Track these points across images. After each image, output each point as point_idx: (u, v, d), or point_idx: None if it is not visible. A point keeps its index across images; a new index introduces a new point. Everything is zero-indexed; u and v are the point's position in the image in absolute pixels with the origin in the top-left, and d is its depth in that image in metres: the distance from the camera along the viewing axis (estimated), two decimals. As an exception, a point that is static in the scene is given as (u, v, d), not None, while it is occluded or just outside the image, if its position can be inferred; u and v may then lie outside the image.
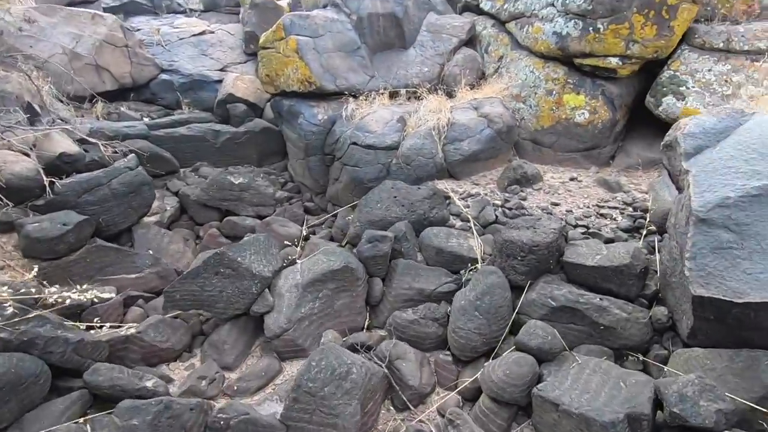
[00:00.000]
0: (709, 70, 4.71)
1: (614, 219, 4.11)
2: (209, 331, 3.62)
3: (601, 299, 3.07)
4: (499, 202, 4.56)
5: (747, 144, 2.44)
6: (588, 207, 4.36)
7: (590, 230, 3.89)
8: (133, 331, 3.22)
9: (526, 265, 3.32)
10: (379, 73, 6.10)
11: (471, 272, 3.80)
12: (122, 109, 6.81)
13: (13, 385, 2.36)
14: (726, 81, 4.59)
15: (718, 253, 2.35)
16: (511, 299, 3.26)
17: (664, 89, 4.83)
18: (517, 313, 3.24)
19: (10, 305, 2.60)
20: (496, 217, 4.30)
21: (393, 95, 6.01)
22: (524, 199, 4.59)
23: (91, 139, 4.98)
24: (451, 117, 5.33)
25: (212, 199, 5.41)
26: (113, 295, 3.78)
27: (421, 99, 5.91)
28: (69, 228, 3.73)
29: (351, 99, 5.77)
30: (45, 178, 4.08)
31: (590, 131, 5.30)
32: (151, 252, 4.45)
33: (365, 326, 3.66)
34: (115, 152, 5.33)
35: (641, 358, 2.95)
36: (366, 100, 5.81)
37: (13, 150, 4.19)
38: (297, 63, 5.54)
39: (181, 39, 8.32)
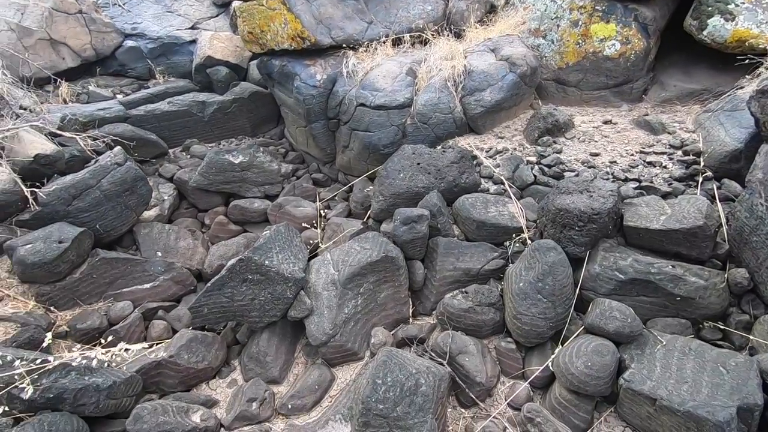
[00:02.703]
0: (761, -19, 4.12)
1: (664, 167, 3.75)
2: (244, 340, 3.35)
3: (674, 267, 2.80)
4: (533, 159, 4.15)
5: None
6: (632, 155, 3.98)
7: (643, 183, 3.55)
8: (164, 355, 2.93)
9: (586, 236, 3.01)
10: (377, 18, 5.37)
11: (516, 244, 3.50)
12: (90, 87, 6.05)
13: (51, 455, 2.10)
14: (781, -8, 4.02)
15: (837, 219, 2.03)
16: (572, 274, 2.98)
17: (709, 9, 4.25)
18: (580, 288, 2.98)
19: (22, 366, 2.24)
20: (535, 177, 3.91)
21: (396, 42, 5.33)
22: (559, 152, 4.18)
23: (66, 134, 4.37)
24: (466, 63, 4.74)
25: (213, 184, 4.93)
26: (131, 311, 3.47)
27: (428, 43, 5.27)
28: (67, 245, 3.30)
29: (350, 52, 5.12)
30: (25, 189, 3.57)
31: (622, 64, 4.77)
32: (160, 254, 4.07)
33: (411, 314, 3.40)
34: (94, 139, 4.75)
35: (720, 326, 2.74)
36: (367, 51, 5.15)
37: (-21, 160, 3.63)
38: (286, 16, 4.79)
39: (140, -5, 7.27)
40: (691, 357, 2.38)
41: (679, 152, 3.85)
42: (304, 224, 4.49)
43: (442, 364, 2.77)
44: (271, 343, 3.09)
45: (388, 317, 3.28)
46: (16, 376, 2.23)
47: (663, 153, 3.89)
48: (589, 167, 3.88)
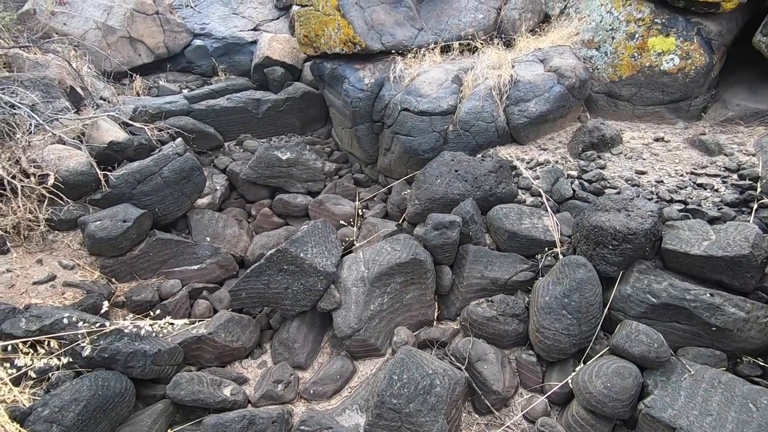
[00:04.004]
0: None
1: (716, 190, 3.57)
2: (276, 325, 3.58)
3: (712, 295, 2.69)
4: (574, 173, 4.08)
5: None
6: (681, 175, 3.82)
7: (689, 206, 3.40)
8: (204, 331, 3.20)
9: (619, 255, 2.95)
10: (428, 25, 5.47)
11: (548, 257, 3.48)
12: (161, 82, 6.61)
13: (103, 407, 2.39)
14: None
15: None
16: (602, 293, 2.94)
17: (782, 25, 3.98)
18: (609, 308, 2.93)
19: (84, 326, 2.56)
20: (574, 191, 3.85)
21: (444, 49, 5.41)
22: (603, 167, 4.08)
23: (136, 124, 4.83)
24: (513, 73, 4.72)
25: (261, 177, 5.24)
26: (179, 288, 3.80)
27: (477, 52, 5.30)
28: (129, 225, 3.67)
29: (398, 58, 5.25)
30: (99, 172, 4.00)
31: (680, 80, 4.56)
32: (208, 239, 4.40)
33: (435, 317, 3.48)
34: (160, 130, 5.20)
35: (760, 362, 2.60)
36: (415, 57, 5.26)
37: (65, 144, 4.11)
38: (339, 21, 5.01)
39: (210, -3, 7.82)
40: (720, 390, 2.29)
41: (735, 176, 3.65)
42: (341, 221, 4.68)
43: (460, 368, 2.83)
44: (300, 331, 3.29)
45: (412, 318, 3.38)
46: (79, 336, 2.55)
47: (716, 175, 3.70)
48: (633, 185, 3.76)
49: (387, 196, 5.23)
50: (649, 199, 3.54)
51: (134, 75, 6.31)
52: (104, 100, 5.59)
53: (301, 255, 3.25)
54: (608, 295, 2.97)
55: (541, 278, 3.29)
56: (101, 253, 3.70)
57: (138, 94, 6.28)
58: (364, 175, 5.66)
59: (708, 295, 2.68)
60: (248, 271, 3.28)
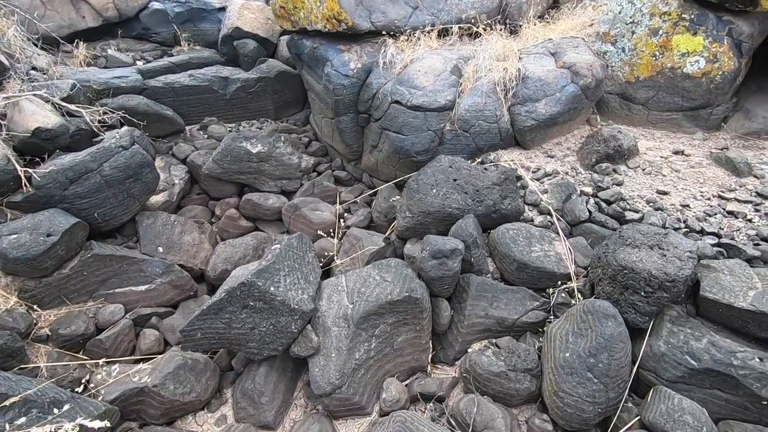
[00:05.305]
0: None
1: (749, 220, 3.15)
2: (239, 367, 2.99)
3: (762, 360, 2.28)
4: (588, 189, 3.59)
5: None
6: (708, 199, 3.38)
7: (722, 240, 2.97)
8: (148, 381, 2.58)
9: (652, 304, 2.50)
10: (423, 4, 4.75)
11: (561, 294, 3.01)
12: (110, 51, 5.66)
13: None
14: None
15: None
16: (631, 349, 2.49)
17: (827, 31, 3.53)
18: (638, 367, 2.49)
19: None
20: (590, 213, 3.36)
21: (442, 33, 4.74)
22: (620, 183, 3.60)
23: (71, 106, 3.98)
24: (521, 67, 4.13)
25: (227, 172, 4.53)
26: (121, 316, 3.14)
27: (479, 38, 4.66)
28: (55, 240, 2.95)
29: (390, 40, 4.56)
30: (19, 168, 3.21)
31: (703, 85, 4.09)
32: (161, 249, 3.71)
33: (429, 361, 2.97)
34: (105, 113, 4.37)
35: (813, 440, 2.23)
36: (408, 40, 4.58)
37: (-28, 131, 3.28)
38: (322, -7, 4.25)
39: (170, -48, 6.75)
40: (783, 493, 1.91)
41: (768, 203, 3.24)
42: (320, 231, 4.07)
43: (462, 438, 2.35)
44: (268, 381, 2.72)
45: (403, 364, 2.86)
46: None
47: (747, 201, 3.29)
48: (656, 209, 3.30)
49: (372, 199, 4.63)
50: (677, 229, 3.09)
51: (77, 41, 5.34)
52: (38, 70, 4.66)
53: (271, 289, 2.64)
54: (636, 349, 2.53)
55: (555, 320, 2.83)
56: (18, 274, 2.97)
57: (81, 65, 5.34)
58: (347, 173, 5.02)
59: (757, 360, 2.27)
60: (205, 307, 2.65)
